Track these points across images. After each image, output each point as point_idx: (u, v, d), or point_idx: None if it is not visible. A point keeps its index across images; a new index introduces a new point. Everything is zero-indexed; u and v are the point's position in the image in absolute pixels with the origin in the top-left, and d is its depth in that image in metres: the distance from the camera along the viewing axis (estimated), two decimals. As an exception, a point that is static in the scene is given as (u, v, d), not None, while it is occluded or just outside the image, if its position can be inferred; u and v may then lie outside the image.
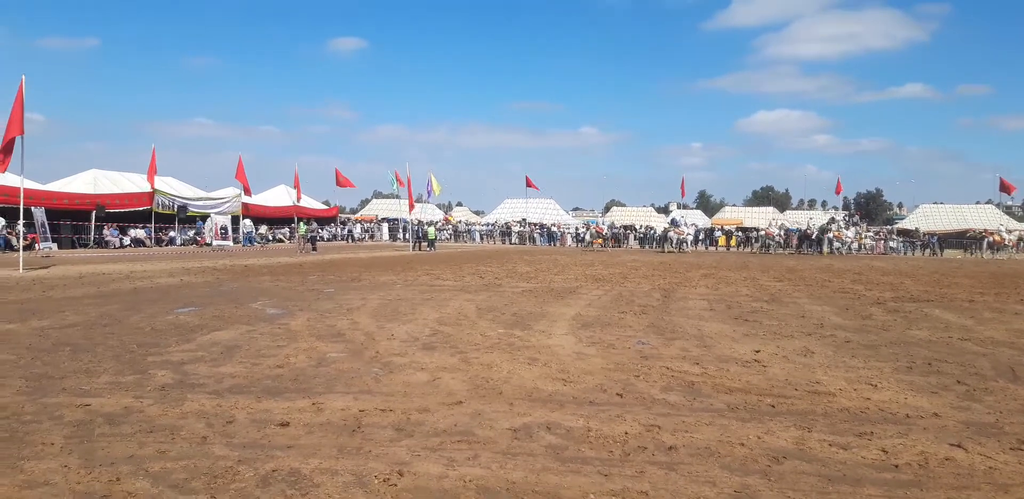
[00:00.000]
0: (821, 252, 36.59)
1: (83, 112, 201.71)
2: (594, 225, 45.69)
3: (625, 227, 50.73)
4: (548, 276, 17.43)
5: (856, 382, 5.83)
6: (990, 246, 38.17)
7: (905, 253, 40.67)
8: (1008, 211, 66.35)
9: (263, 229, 41.81)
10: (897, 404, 5.13)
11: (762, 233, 40.57)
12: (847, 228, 39.73)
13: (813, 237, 37.61)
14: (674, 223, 40.10)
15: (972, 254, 39.59)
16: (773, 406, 5.03)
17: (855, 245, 38.69)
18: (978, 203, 64.12)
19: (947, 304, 12.09)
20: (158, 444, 4.01)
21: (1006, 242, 38.03)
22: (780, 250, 38.17)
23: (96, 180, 33.00)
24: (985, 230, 43.29)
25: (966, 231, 45.19)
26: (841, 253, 36.84)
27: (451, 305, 10.80)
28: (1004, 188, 42.63)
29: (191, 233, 35.93)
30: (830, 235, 37.34)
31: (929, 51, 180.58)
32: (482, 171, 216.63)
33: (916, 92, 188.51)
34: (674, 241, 37.51)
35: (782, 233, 39.03)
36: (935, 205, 57.68)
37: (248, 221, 39.71)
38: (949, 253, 41.10)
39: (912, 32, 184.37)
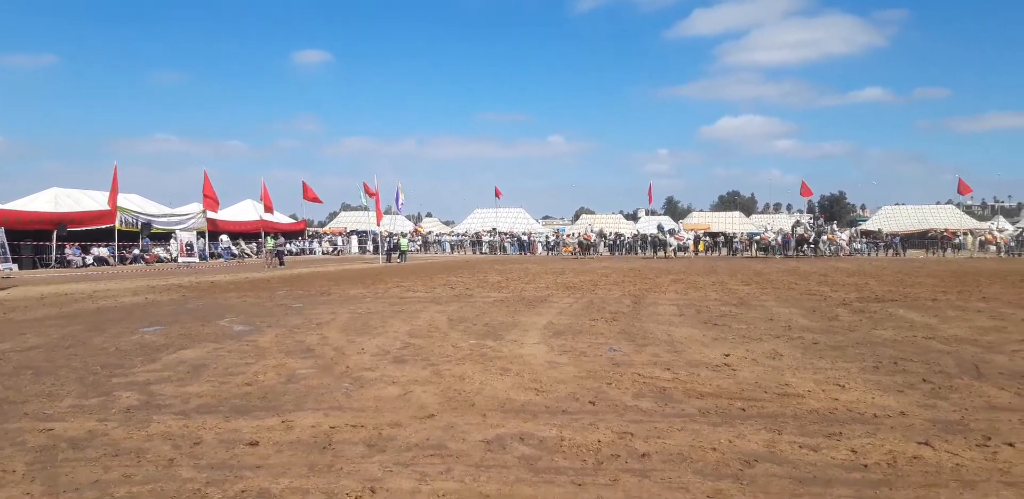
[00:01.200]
0: (816, 255, 38.08)
1: (42, 130, 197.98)
2: (582, 233, 46.05)
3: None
4: (519, 285, 17.44)
5: (824, 383, 5.90)
6: (982, 245, 39.23)
7: (869, 254, 41.40)
8: (968, 211, 67.83)
9: (240, 244, 41.19)
10: (865, 404, 5.19)
11: (758, 238, 41.77)
12: (841, 231, 41.63)
13: (811, 240, 38.63)
14: (660, 229, 41.70)
15: (933, 253, 40.53)
16: (743, 409, 5.07)
17: (854, 246, 40.49)
18: (938, 203, 65.55)
19: (911, 303, 12.31)
20: (124, 468, 3.92)
21: (997, 241, 39.00)
22: (778, 254, 39.09)
23: (57, 198, 32.35)
24: (946, 229, 44.30)
25: (927, 231, 46.14)
26: (838, 255, 38.66)
27: (422, 317, 10.74)
28: (961, 189, 43.76)
29: (136, 251, 34.31)
30: (825, 238, 38.68)
31: (887, 55, 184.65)
32: (452, 182, 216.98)
33: (876, 96, 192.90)
34: (674, 246, 39.33)
35: (779, 238, 39.99)
36: (897, 206, 58.86)
37: (225, 236, 39.27)
38: (911, 253, 41.87)
39: (871, 37, 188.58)
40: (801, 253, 38.33)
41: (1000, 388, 5.68)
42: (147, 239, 34.61)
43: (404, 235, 43.18)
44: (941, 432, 4.46)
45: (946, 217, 53.11)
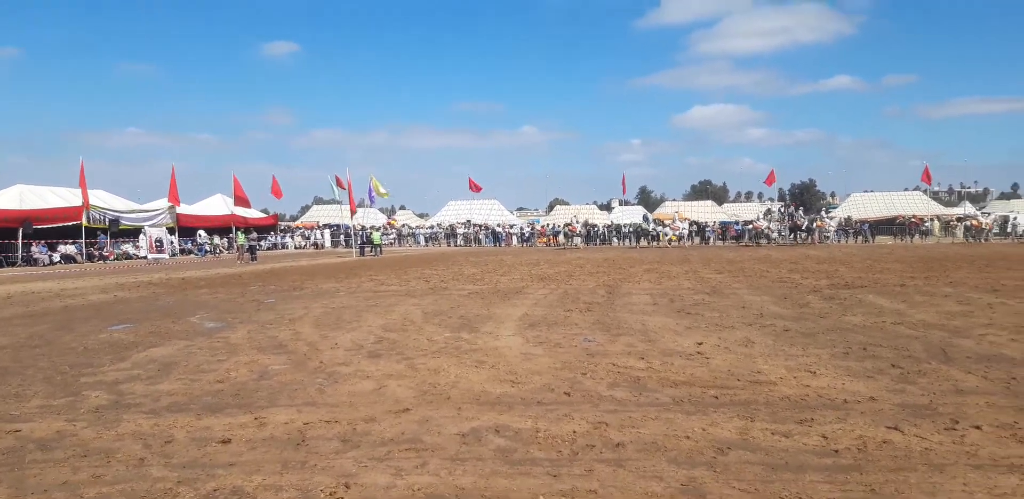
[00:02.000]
0: (811, 241, 39.02)
1: (6, 125, 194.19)
2: (567, 224, 46.28)
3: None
4: (494, 277, 17.42)
5: (796, 370, 5.96)
6: (967, 231, 39.90)
7: (839, 241, 41.96)
8: (935, 197, 68.94)
9: (216, 239, 40.59)
10: (835, 390, 5.26)
11: (749, 227, 42.71)
12: (829, 218, 42.80)
13: (803, 227, 39.27)
14: (645, 219, 43.01)
15: (902, 240, 41.26)
16: (716, 397, 5.11)
17: (837, 233, 41.49)
18: (906, 190, 66.35)
19: (880, 289, 12.48)
20: (93, 468, 3.86)
21: (983, 226, 39.63)
22: (770, 242, 40.00)
23: (22, 195, 31.73)
24: (914, 216, 44.99)
25: (896, 217, 46.76)
26: (825, 242, 39.63)
27: (396, 311, 10.69)
28: (924, 177, 44.68)
29: (92, 248, 33.46)
30: (814, 225, 39.50)
31: (856, 43, 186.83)
32: (425, 173, 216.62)
33: (845, 83, 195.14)
34: (666, 236, 40.65)
35: (769, 226, 40.57)
36: (866, 193, 59.49)
37: (203, 232, 38.74)
38: (880, 239, 42.48)
39: (840, 25, 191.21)
40: (804, 240, 39.01)
41: (967, 372, 5.77)
42: (103, 236, 33.86)
43: (377, 228, 42.93)
44: (910, 416, 4.53)
45: (913, 203, 53.80)
